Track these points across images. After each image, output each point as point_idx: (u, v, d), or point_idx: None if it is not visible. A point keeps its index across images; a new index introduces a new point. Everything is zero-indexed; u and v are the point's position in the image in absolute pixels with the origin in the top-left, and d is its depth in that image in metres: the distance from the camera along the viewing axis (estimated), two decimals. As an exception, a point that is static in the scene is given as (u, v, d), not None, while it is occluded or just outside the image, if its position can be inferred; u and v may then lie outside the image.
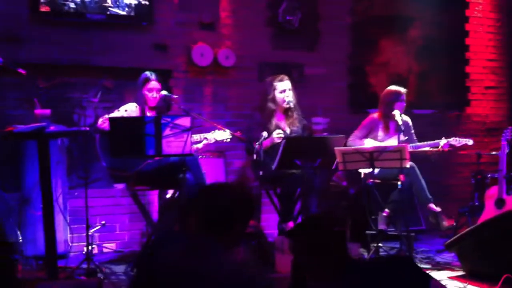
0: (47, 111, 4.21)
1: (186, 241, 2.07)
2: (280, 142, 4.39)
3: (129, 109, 4.35)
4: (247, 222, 2.11)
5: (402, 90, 5.06)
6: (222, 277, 1.88)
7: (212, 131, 4.53)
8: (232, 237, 2.05)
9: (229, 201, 2.08)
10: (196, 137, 4.37)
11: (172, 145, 3.82)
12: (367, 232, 4.88)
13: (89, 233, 4.17)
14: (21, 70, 3.82)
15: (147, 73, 4.42)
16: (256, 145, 4.32)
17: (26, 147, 4.41)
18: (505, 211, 4.53)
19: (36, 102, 4.33)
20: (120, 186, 5.01)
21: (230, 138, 4.52)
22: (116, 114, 4.31)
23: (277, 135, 4.55)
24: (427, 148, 4.98)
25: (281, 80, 4.65)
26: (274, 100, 4.66)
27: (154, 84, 4.37)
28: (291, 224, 4.46)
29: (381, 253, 4.34)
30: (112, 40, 5.02)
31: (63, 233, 4.46)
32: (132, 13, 4.97)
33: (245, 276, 1.92)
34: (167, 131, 3.82)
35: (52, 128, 3.85)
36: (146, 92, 4.36)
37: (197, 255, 1.96)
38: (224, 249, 2.00)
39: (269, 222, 5.13)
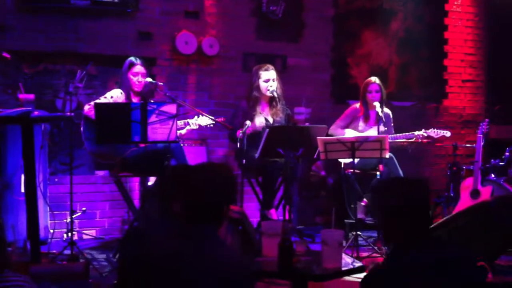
0: (31, 96, 4.19)
1: (175, 226, 2.09)
2: (263, 131, 4.44)
3: (115, 95, 4.33)
4: (232, 201, 2.13)
5: (373, 79, 5.12)
6: (213, 261, 1.91)
7: (196, 117, 4.54)
8: (219, 217, 2.07)
9: (214, 182, 2.07)
10: (179, 122, 4.38)
11: (157, 131, 3.84)
12: (346, 221, 4.98)
13: (70, 220, 4.18)
14: (5, 54, 3.79)
15: (132, 58, 4.40)
16: (240, 134, 4.37)
17: (7, 131, 4.38)
18: (479, 201, 4.66)
19: (21, 87, 4.30)
20: (101, 173, 5.01)
21: (213, 124, 4.54)
22: (102, 100, 4.28)
23: (259, 122, 4.61)
24: (405, 140, 5.09)
25: (266, 70, 4.70)
26: (258, 88, 4.72)
27: (139, 68, 4.36)
28: (273, 211, 4.54)
29: (359, 242, 4.43)
30: (97, 27, 4.99)
31: (43, 219, 4.46)
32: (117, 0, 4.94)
33: (236, 260, 1.96)
34: (153, 118, 3.84)
35: (36, 113, 3.84)
36: (131, 77, 4.33)
37: (187, 239, 1.99)
38: (213, 231, 2.03)
39: (250, 210, 5.20)
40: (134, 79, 4.33)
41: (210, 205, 2.04)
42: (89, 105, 4.18)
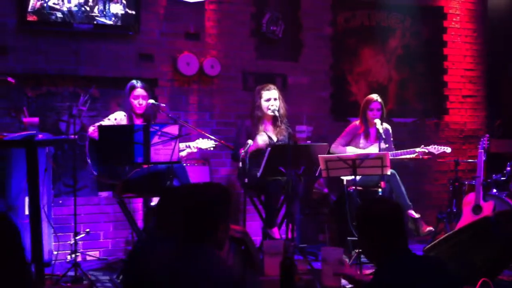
0: (36, 119, 4.24)
1: (175, 244, 2.12)
2: (264, 150, 4.48)
3: (118, 118, 4.41)
4: (228, 218, 2.15)
5: (375, 97, 5.15)
6: (213, 278, 1.94)
7: (196, 140, 4.61)
8: (217, 235, 2.10)
9: (207, 200, 2.11)
10: (181, 145, 4.43)
11: (160, 153, 3.89)
12: (349, 238, 4.98)
13: (74, 241, 4.20)
14: (10, 79, 3.85)
15: (133, 81, 4.50)
16: (242, 153, 4.41)
17: (12, 154, 4.42)
18: (481, 217, 4.66)
19: (25, 110, 4.36)
20: (104, 194, 5.04)
21: (214, 147, 4.62)
22: (106, 122, 4.36)
23: (262, 140, 4.65)
24: (407, 156, 5.12)
25: (268, 90, 4.77)
26: (260, 107, 4.78)
27: (139, 91, 4.44)
28: (275, 230, 4.55)
29: (362, 259, 4.43)
30: (98, 50, 5.06)
31: (47, 241, 4.47)
32: (119, 23, 5.02)
33: (236, 278, 1.99)
34: (156, 139, 3.89)
35: (40, 136, 3.89)
36: (132, 100, 4.43)
37: (188, 257, 2.02)
38: (213, 249, 2.06)
39: (253, 228, 5.21)
40: (135, 102, 4.42)
41: (204, 223, 2.07)
42: (94, 126, 4.26)
